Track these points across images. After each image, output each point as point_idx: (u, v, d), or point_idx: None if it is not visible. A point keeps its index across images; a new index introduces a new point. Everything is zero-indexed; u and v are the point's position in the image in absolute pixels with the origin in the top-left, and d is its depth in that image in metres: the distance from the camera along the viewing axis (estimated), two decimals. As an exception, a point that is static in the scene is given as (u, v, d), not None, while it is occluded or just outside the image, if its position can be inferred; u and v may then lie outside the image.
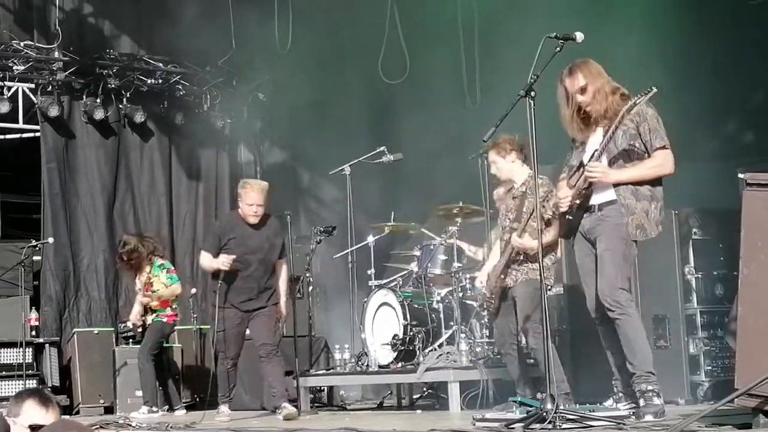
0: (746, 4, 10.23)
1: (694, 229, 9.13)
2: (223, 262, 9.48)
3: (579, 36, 6.55)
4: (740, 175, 5.65)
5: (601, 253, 6.98)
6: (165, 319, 11.13)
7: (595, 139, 7.08)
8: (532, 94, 6.31)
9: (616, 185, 6.93)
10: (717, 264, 9.14)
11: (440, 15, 12.94)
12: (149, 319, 11.14)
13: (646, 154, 6.95)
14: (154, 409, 10.80)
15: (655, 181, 7.00)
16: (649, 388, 6.81)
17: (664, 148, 6.90)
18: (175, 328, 11.67)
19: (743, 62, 10.38)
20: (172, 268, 11.59)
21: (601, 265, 6.96)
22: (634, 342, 6.89)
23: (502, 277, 8.25)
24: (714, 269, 9.13)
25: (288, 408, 9.18)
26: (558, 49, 6.52)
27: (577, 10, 10.28)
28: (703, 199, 9.20)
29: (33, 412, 5.39)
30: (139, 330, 11.33)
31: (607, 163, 6.98)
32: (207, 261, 9.75)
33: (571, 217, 7.13)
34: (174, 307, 11.26)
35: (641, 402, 6.84)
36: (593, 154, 6.95)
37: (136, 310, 11.24)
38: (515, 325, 8.38)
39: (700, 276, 9.09)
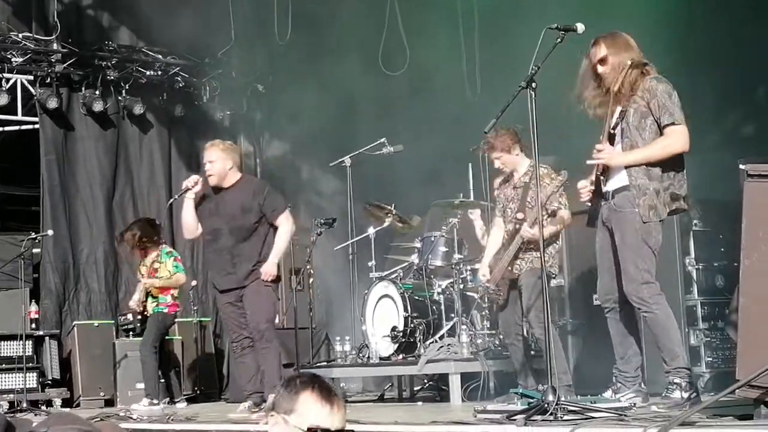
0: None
1: (695, 221, 9.14)
2: (186, 181, 9.17)
3: (580, 27, 6.51)
4: (741, 166, 5.63)
5: (619, 246, 6.86)
6: (166, 310, 11.10)
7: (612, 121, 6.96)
8: (533, 85, 6.27)
9: (627, 167, 6.79)
10: (718, 255, 9.15)
11: (440, 6, 12.90)
12: (150, 306, 11.12)
13: (660, 132, 6.77)
14: (155, 401, 10.77)
15: (668, 161, 6.77)
16: (675, 381, 6.73)
17: (673, 124, 6.69)
18: (176, 320, 11.66)
19: (745, 54, 10.35)
20: (179, 257, 11.58)
21: (622, 262, 6.84)
22: (660, 339, 6.80)
23: (509, 268, 8.22)
24: (715, 260, 9.14)
25: (253, 409, 8.77)
26: (559, 40, 6.47)
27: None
28: (704, 190, 9.18)
29: (312, 410, 3.68)
30: (139, 317, 11.31)
31: (621, 143, 6.84)
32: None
33: (589, 204, 7.09)
34: (175, 295, 11.24)
35: (663, 393, 6.82)
36: (601, 136, 6.88)
37: (137, 297, 11.22)
38: (520, 315, 8.37)
39: (700, 267, 9.11)
